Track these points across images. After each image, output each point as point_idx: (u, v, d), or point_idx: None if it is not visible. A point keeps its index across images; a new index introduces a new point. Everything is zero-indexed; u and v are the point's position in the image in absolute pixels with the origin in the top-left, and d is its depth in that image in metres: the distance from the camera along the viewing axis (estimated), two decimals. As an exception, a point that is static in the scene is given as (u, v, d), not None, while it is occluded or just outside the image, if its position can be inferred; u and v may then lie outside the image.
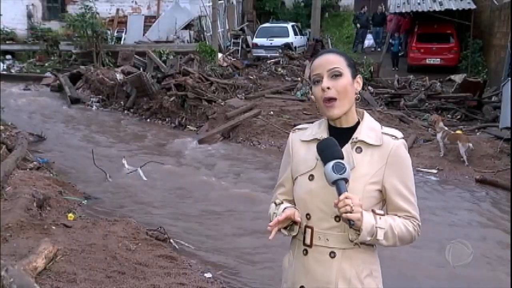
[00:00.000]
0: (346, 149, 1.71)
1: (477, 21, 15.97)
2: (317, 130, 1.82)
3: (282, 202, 1.85)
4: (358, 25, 19.85)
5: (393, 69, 16.35)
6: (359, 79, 1.78)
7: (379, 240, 1.66)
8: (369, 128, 1.76)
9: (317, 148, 1.71)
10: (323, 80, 1.72)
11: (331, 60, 1.74)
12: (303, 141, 1.84)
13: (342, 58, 1.75)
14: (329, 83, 1.71)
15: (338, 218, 1.69)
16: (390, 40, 16.51)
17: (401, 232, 1.70)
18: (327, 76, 1.72)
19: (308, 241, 1.76)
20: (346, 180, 1.62)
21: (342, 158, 1.64)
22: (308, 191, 1.76)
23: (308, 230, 1.76)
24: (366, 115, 1.81)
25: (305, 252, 1.78)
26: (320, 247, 1.74)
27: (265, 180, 7.41)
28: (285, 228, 1.77)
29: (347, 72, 1.73)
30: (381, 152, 1.72)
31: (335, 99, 1.71)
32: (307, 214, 1.76)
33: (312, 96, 1.82)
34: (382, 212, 1.70)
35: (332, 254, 1.73)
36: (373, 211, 1.68)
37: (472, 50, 16.08)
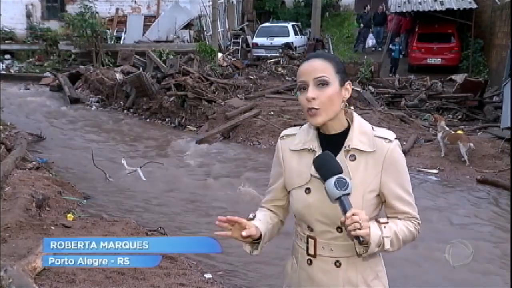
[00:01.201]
0: (340, 159, 1.65)
1: (478, 21, 15.98)
2: (306, 138, 1.76)
3: (254, 218, 1.79)
4: (362, 25, 19.71)
5: (390, 75, 15.84)
6: (348, 85, 1.71)
7: (386, 249, 1.64)
8: (361, 132, 1.70)
9: (313, 164, 1.65)
10: (308, 89, 1.65)
11: (318, 68, 1.66)
12: (293, 151, 1.77)
13: (330, 64, 1.67)
14: (314, 93, 1.64)
15: (340, 228, 1.67)
16: (390, 46, 16.31)
17: (405, 235, 1.68)
18: (313, 85, 1.65)
19: (312, 251, 1.74)
20: (348, 195, 1.58)
21: (342, 172, 1.60)
22: (306, 205, 1.72)
23: (311, 241, 1.74)
24: (356, 117, 1.74)
25: (310, 262, 1.75)
26: (324, 257, 1.72)
27: (265, 181, 7.38)
28: (251, 242, 1.77)
29: (334, 81, 1.66)
30: (376, 157, 1.67)
31: (318, 109, 1.65)
32: (308, 226, 1.74)
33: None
34: (385, 220, 1.66)
35: (338, 264, 1.71)
36: (377, 220, 1.65)
37: (473, 50, 16.07)
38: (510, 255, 4.83)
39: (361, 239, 1.55)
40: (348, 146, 1.68)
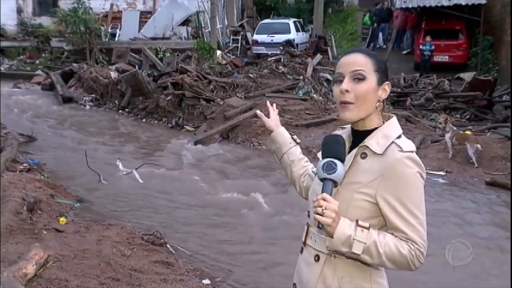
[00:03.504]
0: (352, 153, 1.71)
1: (487, 17, 15.97)
2: (342, 130, 1.86)
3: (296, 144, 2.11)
4: (375, 24, 19.38)
5: (422, 76, 15.33)
6: (386, 86, 1.72)
7: (359, 254, 1.59)
8: (383, 135, 1.69)
9: (322, 143, 1.72)
10: (343, 81, 1.69)
11: (357, 62, 1.69)
12: None
13: (370, 61, 1.69)
14: (349, 86, 1.67)
15: None
16: (421, 47, 16.04)
17: (390, 252, 1.59)
18: (349, 78, 1.68)
19: (303, 239, 1.81)
20: (334, 182, 1.61)
21: (341, 159, 1.63)
22: (312, 187, 1.82)
23: (306, 228, 1.82)
24: (391, 120, 1.74)
25: (301, 250, 1.83)
26: (310, 248, 1.77)
27: (266, 184, 7.41)
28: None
29: (372, 77, 1.68)
30: (381, 162, 1.65)
31: (351, 103, 1.68)
32: (308, 211, 1.82)
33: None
34: (366, 225, 1.61)
35: (316, 258, 1.73)
36: (356, 222, 1.61)
37: (482, 47, 16.07)
38: (510, 256, 4.86)
39: (320, 225, 1.58)
40: (364, 143, 1.71)
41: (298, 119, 10.67)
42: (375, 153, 1.67)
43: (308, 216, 1.80)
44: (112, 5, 20.65)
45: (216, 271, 4.83)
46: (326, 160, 1.63)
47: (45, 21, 20.69)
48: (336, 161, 1.62)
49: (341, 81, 1.70)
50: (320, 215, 1.55)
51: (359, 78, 1.67)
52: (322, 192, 1.59)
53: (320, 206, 1.55)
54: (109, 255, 4.41)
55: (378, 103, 1.71)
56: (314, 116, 10.93)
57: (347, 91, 1.67)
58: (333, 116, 10.75)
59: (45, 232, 4.81)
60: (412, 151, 1.65)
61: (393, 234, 1.63)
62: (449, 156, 8.37)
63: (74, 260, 4.20)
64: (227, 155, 9.31)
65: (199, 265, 4.88)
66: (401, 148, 1.64)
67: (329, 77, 14.13)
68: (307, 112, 11.12)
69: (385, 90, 1.73)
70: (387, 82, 1.73)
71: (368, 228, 1.61)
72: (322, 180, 1.62)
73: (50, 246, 4.34)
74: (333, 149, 1.66)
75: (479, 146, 8.02)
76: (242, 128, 10.33)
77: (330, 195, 1.59)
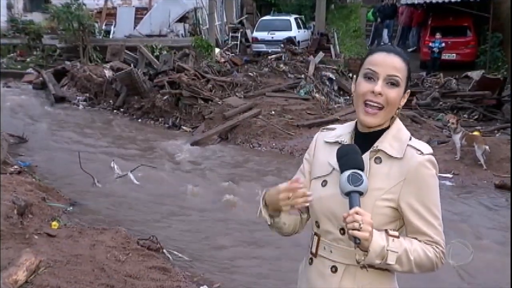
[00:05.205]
0: (364, 158, 1.68)
1: (496, 13, 15.96)
2: (342, 132, 1.82)
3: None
4: (379, 20, 19.28)
5: (429, 75, 15.34)
6: (406, 94, 1.75)
7: (391, 264, 1.61)
8: (394, 137, 1.71)
9: (336, 153, 1.68)
10: (377, 82, 1.67)
11: (396, 66, 1.68)
12: (326, 142, 1.83)
13: (406, 67, 1.71)
14: (383, 89, 1.67)
15: (343, 230, 1.67)
16: (430, 44, 15.97)
17: (419, 257, 1.64)
18: (383, 80, 1.67)
19: (314, 250, 1.78)
20: (360, 193, 1.59)
21: (362, 169, 1.62)
22: (317, 198, 1.75)
23: (316, 238, 1.78)
24: (397, 121, 1.76)
25: (311, 261, 1.80)
26: (323, 259, 1.75)
27: (266, 186, 7.41)
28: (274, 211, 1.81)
29: (402, 84, 1.69)
30: (401, 166, 1.67)
31: (381, 108, 1.68)
32: (316, 221, 1.78)
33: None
34: (396, 233, 1.64)
35: (333, 269, 1.72)
36: (386, 231, 1.63)
37: (491, 45, 16.07)
38: (510, 256, 4.87)
39: (357, 241, 1.54)
40: (376, 147, 1.70)
41: (299, 119, 10.68)
42: (392, 157, 1.68)
43: (318, 226, 1.77)
44: (106, 1, 20.64)
45: (214, 277, 4.83)
46: (349, 172, 1.59)
47: (37, 17, 20.67)
48: (359, 171, 1.60)
49: (371, 79, 1.69)
50: (358, 230, 1.52)
51: (393, 83, 1.68)
52: (352, 206, 1.56)
53: (356, 221, 1.52)
54: (103, 261, 4.41)
55: (397, 110, 1.73)
56: (316, 116, 10.93)
57: (380, 94, 1.67)
58: (335, 116, 10.77)
59: (36, 236, 4.81)
60: (431, 153, 1.69)
61: (416, 238, 1.67)
62: (457, 158, 8.37)
63: (67, 266, 4.20)
64: (225, 156, 9.32)
65: (196, 271, 4.88)
66: (421, 151, 1.68)
67: (331, 75, 14.15)
68: (309, 112, 11.13)
69: (405, 98, 1.75)
70: (409, 90, 1.76)
71: (398, 237, 1.63)
72: (348, 193, 1.59)
73: (41, 251, 4.34)
74: (353, 160, 1.63)
75: (487, 147, 8.02)
76: (241, 129, 10.34)
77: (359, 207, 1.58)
